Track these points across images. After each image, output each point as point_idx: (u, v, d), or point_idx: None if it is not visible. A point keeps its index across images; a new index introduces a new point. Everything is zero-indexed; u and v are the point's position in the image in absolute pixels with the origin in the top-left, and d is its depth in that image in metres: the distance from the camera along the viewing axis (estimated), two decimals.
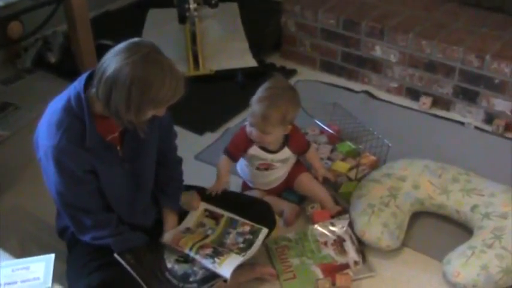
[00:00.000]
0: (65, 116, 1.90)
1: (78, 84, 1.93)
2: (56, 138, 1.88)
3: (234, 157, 2.48)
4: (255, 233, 2.23)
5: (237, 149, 2.46)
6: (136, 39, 1.87)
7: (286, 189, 2.61)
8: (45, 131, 1.93)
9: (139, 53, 1.80)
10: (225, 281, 2.09)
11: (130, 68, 1.77)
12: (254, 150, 2.45)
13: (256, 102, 2.32)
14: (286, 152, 2.48)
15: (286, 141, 2.47)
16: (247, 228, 2.24)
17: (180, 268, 2.13)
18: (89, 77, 1.92)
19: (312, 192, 2.57)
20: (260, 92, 2.35)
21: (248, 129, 2.39)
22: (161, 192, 2.24)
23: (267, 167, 2.49)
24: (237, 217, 2.29)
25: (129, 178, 2.10)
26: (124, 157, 2.06)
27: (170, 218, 2.25)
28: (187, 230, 2.26)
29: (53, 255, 1.75)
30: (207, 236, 2.23)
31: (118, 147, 2.04)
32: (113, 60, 1.80)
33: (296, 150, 2.53)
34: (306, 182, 2.58)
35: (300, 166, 2.62)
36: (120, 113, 1.82)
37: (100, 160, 1.97)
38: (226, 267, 2.09)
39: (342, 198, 2.61)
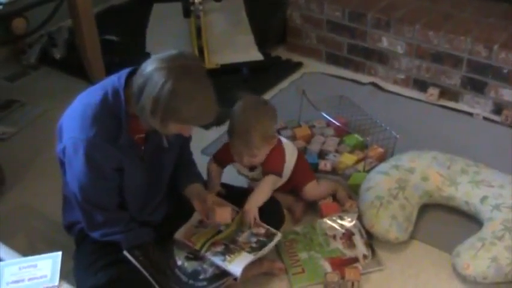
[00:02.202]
0: (101, 111, 1.90)
1: (118, 80, 1.92)
2: (90, 132, 1.88)
3: (221, 164, 2.42)
4: (269, 236, 2.21)
5: (224, 159, 2.40)
6: (186, 52, 1.87)
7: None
8: (77, 122, 1.91)
9: (181, 63, 1.80)
10: (235, 279, 2.09)
11: (166, 73, 1.77)
12: (237, 165, 2.40)
13: (233, 132, 2.23)
14: (260, 168, 2.38)
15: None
16: (262, 231, 2.23)
17: (189, 265, 2.13)
18: (128, 76, 1.91)
19: (321, 198, 2.54)
20: (234, 120, 2.24)
21: (236, 158, 2.30)
22: (185, 172, 2.26)
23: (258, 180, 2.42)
24: None
25: (148, 178, 2.11)
26: (145, 157, 2.06)
27: (202, 192, 2.23)
28: (200, 223, 2.25)
29: (60, 253, 1.74)
30: (219, 232, 2.22)
31: (142, 147, 2.04)
32: (155, 62, 1.81)
33: (266, 169, 2.34)
34: (312, 192, 2.53)
35: (306, 174, 2.55)
36: (145, 113, 1.82)
37: (127, 158, 1.97)
38: (236, 266, 2.08)
39: (350, 190, 2.60)
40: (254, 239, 2.20)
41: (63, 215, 2.23)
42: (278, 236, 2.22)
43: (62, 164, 2.03)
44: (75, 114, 1.94)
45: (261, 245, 2.17)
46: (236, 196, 2.32)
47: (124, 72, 1.93)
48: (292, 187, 2.53)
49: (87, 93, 1.99)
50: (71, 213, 2.13)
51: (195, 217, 2.26)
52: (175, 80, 1.77)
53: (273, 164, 2.34)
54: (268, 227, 2.24)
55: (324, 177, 2.67)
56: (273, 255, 2.32)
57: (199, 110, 1.85)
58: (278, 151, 2.37)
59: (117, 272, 1.99)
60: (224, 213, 2.18)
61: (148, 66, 1.81)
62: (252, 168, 2.39)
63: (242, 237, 2.20)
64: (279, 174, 2.35)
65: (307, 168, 2.58)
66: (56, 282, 1.67)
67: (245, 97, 2.32)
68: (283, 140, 2.49)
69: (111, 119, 1.90)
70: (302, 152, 2.71)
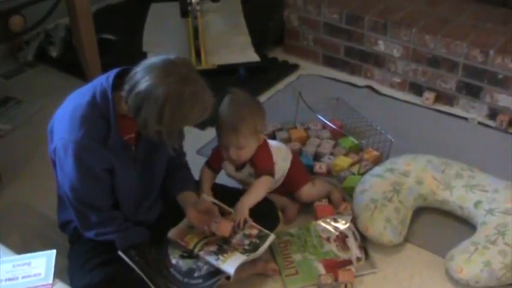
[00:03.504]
0: (90, 112, 1.90)
1: (106, 82, 1.91)
2: (79, 133, 1.88)
3: (214, 170, 2.41)
4: (262, 238, 2.20)
5: (216, 163, 2.40)
6: (172, 57, 1.86)
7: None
8: (66, 124, 1.92)
9: (177, 75, 1.80)
10: (228, 278, 2.09)
11: (165, 88, 1.77)
12: (225, 164, 2.39)
13: (222, 123, 2.24)
14: (248, 169, 2.37)
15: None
16: (254, 232, 2.22)
17: (184, 264, 2.13)
18: (117, 75, 1.91)
19: (316, 200, 2.55)
20: (223, 110, 2.25)
21: (224, 154, 2.30)
22: (178, 177, 2.24)
23: (247, 184, 2.42)
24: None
25: (140, 177, 2.10)
26: (136, 157, 2.06)
27: (198, 202, 2.21)
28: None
29: (54, 251, 1.74)
30: (212, 233, 2.22)
31: (132, 147, 2.04)
32: (147, 75, 1.80)
33: (258, 171, 2.32)
34: (308, 195, 2.53)
35: (301, 176, 2.55)
36: (148, 126, 1.82)
37: (117, 159, 1.97)
38: (230, 265, 2.08)
39: (345, 193, 2.61)
40: (247, 241, 2.19)
41: (58, 214, 2.23)
42: (271, 238, 2.21)
43: (54, 164, 2.03)
44: (65, 115, 1.94)
45: (254, 247, 2.17)
46: (230, 197, 2.31)
47: (112, 72, 1.93)
48: (287, 190, 2.54)
49: (76, 94, 1.99)
50: (65, 212, 2.13)
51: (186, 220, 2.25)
52: (177, 94, 1.78)
53: (262, 162, 2.33)
54: (261, 228, 2.24)
55: (319, 178, 2.67)
56: (266, 256, 2.32)
57: (202, 110, 1.86)
58: (265, 150, 2.36)
59: (112, 270, 1.99)
60: (225, 227, 2.16)
61: (142, 81, 1.79)
62: (238, 167, 2.38)
63: (235, 239, 2.19)
64: (271, 173, 2.34)
65: (302, 171, 2.58)
66: (50, 281, 1.66)
67: (234, 91, 2.32)
68: (275, 143, 2.50)
69: (100, 119, 1.90)
70: (297, 155, 2.72)
